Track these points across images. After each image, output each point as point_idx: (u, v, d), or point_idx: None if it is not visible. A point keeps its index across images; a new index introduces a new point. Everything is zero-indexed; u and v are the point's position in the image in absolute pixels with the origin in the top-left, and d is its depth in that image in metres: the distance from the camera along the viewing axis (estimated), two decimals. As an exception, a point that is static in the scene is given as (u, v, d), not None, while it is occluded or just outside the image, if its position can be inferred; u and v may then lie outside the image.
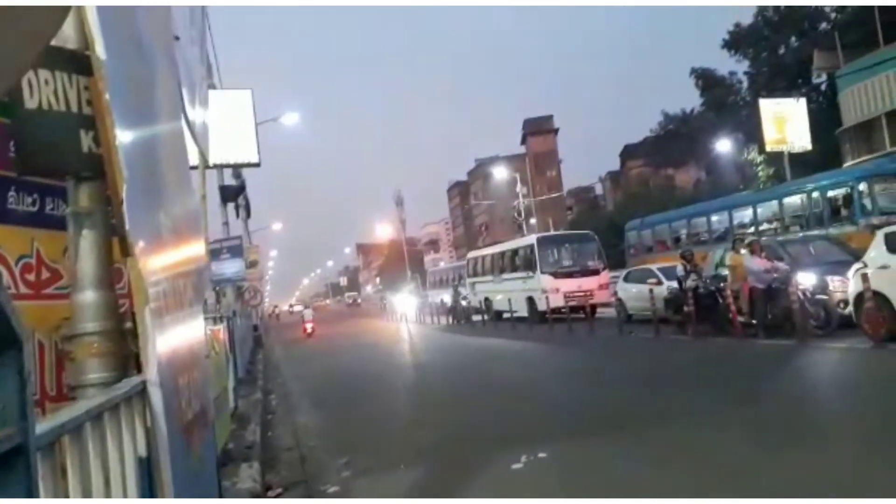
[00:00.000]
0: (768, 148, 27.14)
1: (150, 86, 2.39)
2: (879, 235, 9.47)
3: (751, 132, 31.88)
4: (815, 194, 15.55)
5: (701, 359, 10.50)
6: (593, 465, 5.08)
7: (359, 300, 79.72)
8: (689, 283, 12.68)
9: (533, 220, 47.41)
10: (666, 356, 11.28)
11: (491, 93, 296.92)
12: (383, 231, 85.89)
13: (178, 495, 1.90)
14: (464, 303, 25.40)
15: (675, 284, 13.64)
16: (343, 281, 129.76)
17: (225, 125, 12.05)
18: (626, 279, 17.65)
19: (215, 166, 12.74)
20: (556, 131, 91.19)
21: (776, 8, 37.19)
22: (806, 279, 10.82)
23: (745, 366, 9.29)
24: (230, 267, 12.25)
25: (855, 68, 26.94)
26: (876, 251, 9.33)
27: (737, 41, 38.76)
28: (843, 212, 14.67)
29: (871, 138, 26.58)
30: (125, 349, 2.13)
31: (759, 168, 34.71)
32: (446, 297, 28.42)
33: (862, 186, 14.13)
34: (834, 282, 10.85)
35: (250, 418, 8.00)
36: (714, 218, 19.25)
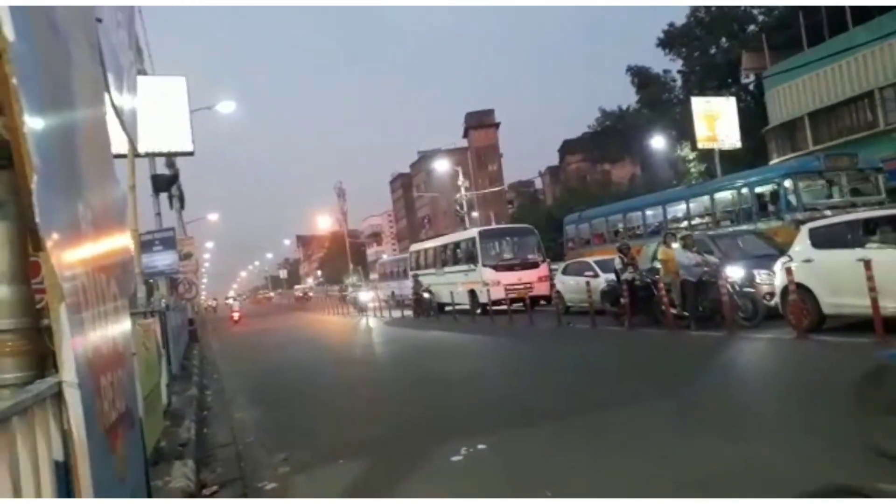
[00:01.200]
0: (700, 145, 28.06)
1: (66, 70, 2.27)
2: (804, 230, 9.82)
3: (684, 129, 32.91)
4: (744, 190, 16.14)
5: (635, 349, 10.81)
6: (531, 454, 5.15)
7: (310, 293, 73.63)
8: (626, 275, 12.99)
9: (475, 214, 47.70)
10: (602, 347, 11.55)
11: (434, 86, 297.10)
12: (325, 223, 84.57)
13: (99, 498, 1.82)
14: (427, 295, 23.45)
15: (611, 277, 13.96)
16: (283, 273, 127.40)
17: (157, 113, 11.63)
18: (564, 272, 17.99)
19: (146, 155, 12.26)
20: (497, 125, 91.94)
21: (707, 9, 38.44)
22: (734, 272, 11.23)
23: (676, 356, 9.61)
24: (163, 259, 11.86)
25: (780, 70, 28.16)
26: (800, 245, 9.68)
27: (671, 40, 39.88)
28: (771, 207, 15.26)
29: (794, 137, 27.86)
30: (42, 347, 2.02)
31: (692, 164, 35.89)
32: (397, 288, 27.83)
33: (787, 183, 14.73)
34: (760, 275, 11.30)
35: (185, 415, 7.76)
36: (649, 212, 19.78)
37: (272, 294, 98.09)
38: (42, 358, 1.96)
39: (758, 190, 15.74)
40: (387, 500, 4.78)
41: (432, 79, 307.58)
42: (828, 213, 14.26)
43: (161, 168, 15.38)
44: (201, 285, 38.32)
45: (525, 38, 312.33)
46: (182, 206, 21.16)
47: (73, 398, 1.76)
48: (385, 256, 66.33)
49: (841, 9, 24.91)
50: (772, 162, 26.86)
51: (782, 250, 12.53)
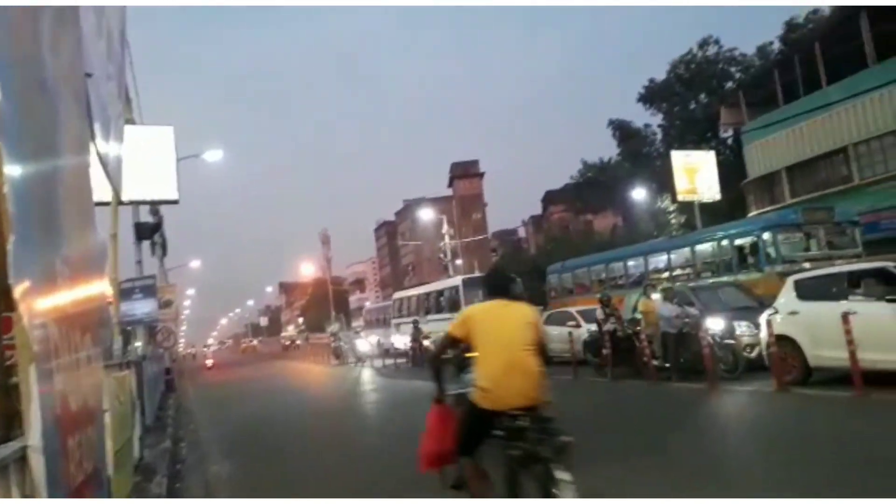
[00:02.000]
0: (680, 197, 28.49)
1: (51, 125, 2.28)
2: (789, 282, 9.90)
3: (664, 182, 33.46)
4: (725, 242, 16.33)
5: (618, 401, 10.73)
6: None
7: (297, 341, 68.21)
8: (607, 326, 12.99)
9: (459, 262, 47.83)
10: (585, 399, 11.43)
11: (420, 136, 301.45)
12: (307, 270, 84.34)
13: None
14: (426, 342, 21.72)
15: (594, 327, 13.96)
16: (264, 321, 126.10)
17: (144, 161, 11.65)
18: (546, 321, 17.92)
19: (130, 203, 12.22)
20: (481, 175, 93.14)
21: (687, 65, 39.66)
22: (715, 324, 11.28)
23: (658, 409, 9.54)
24: (142, 307, 11.69)
25: (757, 125, 28.90)
26: (786, 297, 9.75)
27: (651, 95, 40.96)
28: (750, 259, 15.44)
29: (772, 190, 28.41)
30: (10, 407, 1.97)
31: (672, 216, 36.40)
32: (383, 336, 27.25)
33: (766, 236, 14.93)
34: (741, 327, 11.35)
35: (157, 469, 7.55)
36: (630, 263, 19.92)
37: (255, 341, 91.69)
38: (9, 418, 1.90)
39: (738, 242, 15.93)
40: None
41: (418, 128, 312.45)
42: (806, 265, 14.45)
43: (145, 216, 15.34)
44: (180, 333, 37.75)
45: (510, 90, 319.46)
46: (164, 254, 21.01)
47: (37, 463, 1.70)
48: (368, 304, 65.95)
49: (815, 67, 25.78)
50: (750, 214, 27.32)
51: (762, 302, 12.64)
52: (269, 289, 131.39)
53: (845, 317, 8.05)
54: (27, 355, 1.71)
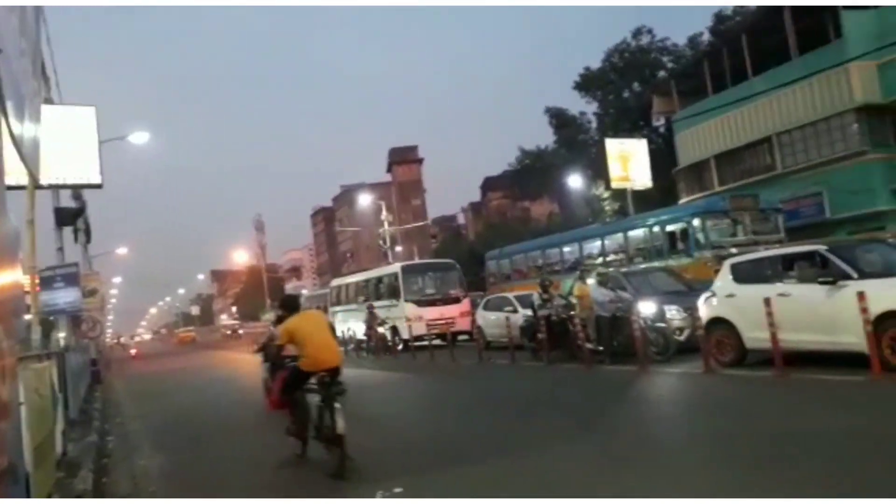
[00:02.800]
0: (613, 185, 29.13)
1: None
2: (726, 266, 10.10)
3: (598, 169, 34.16)
4: (656, 229, 16.87)
5: (553, 385, 10.90)
6: (450, 496, 5.05)
7: (240, 330, 64.75)
8: (542, 311, 13.19)
9: (399, 248, 47.69)
10: (522, 383, 11.62)
11: (357, 120, 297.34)
12: (241, 257, 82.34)
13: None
14: (382, 329, 20.18)
15: (530, 312, 14.16)
16: (195, 310, 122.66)
17: (64, 143, 11.06)
18: (485, 307, 18.12)
19: (49, 187, 11.60)
20: (421, 161, 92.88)
21: (621, 54, 40.47)
22: (647, 308, 11.61)
23: (592, 391, 9.76)
24: (64, 296, 11.16)
25: (688, 114, 29.82)
26: (723, 280, 9.92)
27: (587, 83, 41.61)
28: (680, 245, 15.97)
29: (702, 178, 29.44)
30: None
31: (606, 203, 37.24)
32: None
33: (696, 222, 15.51)
34: (671, 311, 11.72)
35: (82, 464, 7.23)
36: (566, 249, 20.32)
37: (192, 330, 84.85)
38: None
39: (668, 228, 16.47)
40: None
41: (356, 113, 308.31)
42: (733, 250, 15.01)
43: (67, 201, 14.60)
44: (107, 323, 36.35)
45: (449, 77, 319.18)
46: (88, 241, 20.08)
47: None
48: (306, 291, 65.02)
49: (742, 59, 26.75)
50: (681, 201, 28.24)
51: (691, 286, 13.08)
52: (201, 276, 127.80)
53: (767, 300, 8.39)
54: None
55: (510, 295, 17.48)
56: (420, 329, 18.91)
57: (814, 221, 22.05)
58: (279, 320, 8.46)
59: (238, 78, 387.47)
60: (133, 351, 48.88)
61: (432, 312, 19.83)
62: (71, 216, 13.41)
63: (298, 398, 6.61)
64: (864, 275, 7.96)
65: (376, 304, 21.69)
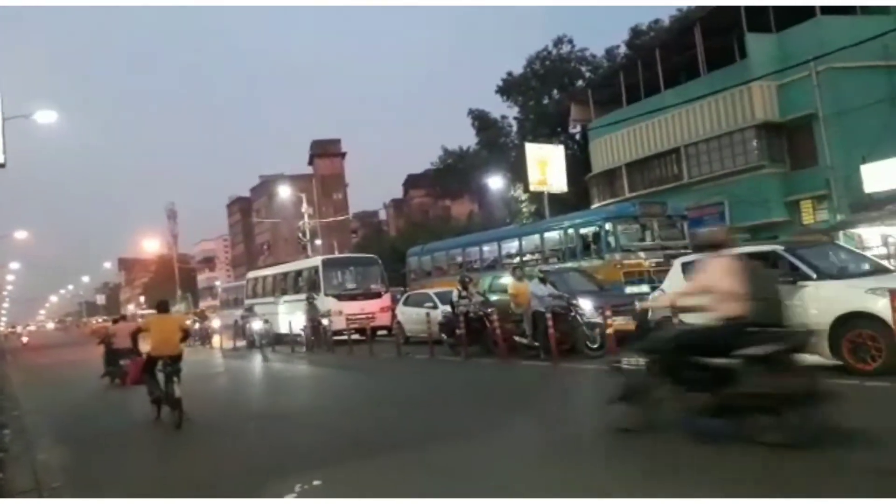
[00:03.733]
0: (531, 188, 29.88)
1: None
2: (677, 264, 10.10)
3: (518, 171, 34.94)
4: (570, 231, 17.46)
5: (471, 379, 11.21)
6: (369, 488, 5.16)
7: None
8: (460, 307, 13.46)
9: (318, 242, 47.06)
10: (441, 378, 11.87)
11: (278, 110, 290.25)
12: (151, 246, 78.85)
13: None
14: (326, 321, 19.01)
15: (449, 309, 14.43)
16: (101, 299, 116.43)
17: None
18: (405, 303, 18.27)
19: (-55, 165, 10.84)
20: (343, 155, 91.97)
21: (543, 61, 41.52)
22: (585, 305, 11.87)
23: (510, 385, 10.11)
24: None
25: (602, 123, 31.05)
26: (672, 278, 9.90)
27: (509, 88, 42.44)
28: (593, 247, 16.60)
29: (613, 184, 30.68)
30: None
31: (524, 204, 38.14)
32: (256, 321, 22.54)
33: (608, 226, 16.14)
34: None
35: (-23, 459, 6.87)
36: (485, 248, 20.70)
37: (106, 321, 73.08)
38: None
39: (582, 231, 17.07)
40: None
41: (278, 103, 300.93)
42: (641, 254, 15.80)
43: (-40, 178, 13.64)
44: (1, 311, 34.14)
45: (374, 72, 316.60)
46: (-17, 222, 18.78)
47: None
48: (220, 283, 63.14)
49: (655, 73, 28.07)
50: (593, 206, 29.34)
51: (602, 286, 13.70)
52: (108, 265, 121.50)
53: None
54: None
55: (430, 291, 17.69)
56: (340, 324, 18.78)
57: (715, 229, 23.39)
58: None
59: (156, 59, 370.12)
60: (24, 339, 49.09)
61: (353, 307, 19.75)
62: (-33, 197, 12.57)
63: (150, 376, 9.17)
64: (822, 276, 7.95)
65: (295, 297, 21.44)
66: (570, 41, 41.55)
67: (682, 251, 14.88)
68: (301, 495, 5.02)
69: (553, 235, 18.24)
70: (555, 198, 29.16)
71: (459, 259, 21.64)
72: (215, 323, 25.22)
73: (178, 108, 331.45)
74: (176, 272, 61.23)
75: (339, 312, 19.39)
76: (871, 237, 21.18)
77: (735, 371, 4.91)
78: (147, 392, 9.31)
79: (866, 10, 24.02)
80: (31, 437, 9.17)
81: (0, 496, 5.93)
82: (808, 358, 5.72)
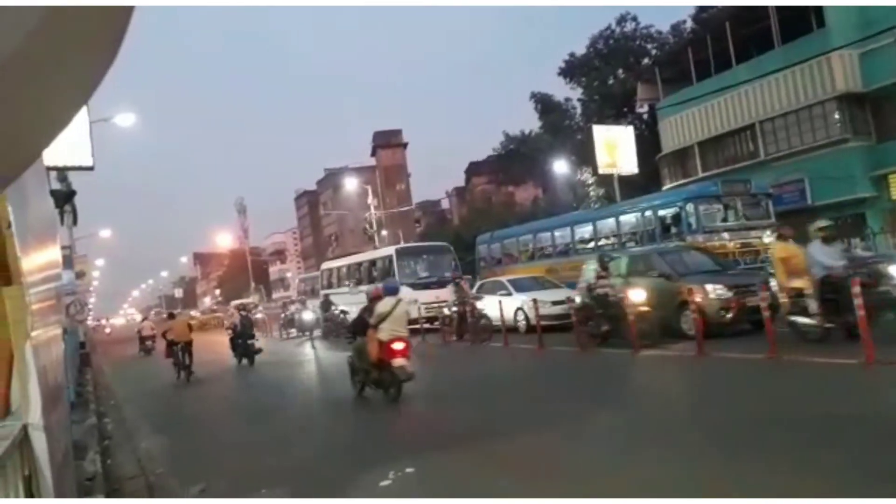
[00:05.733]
0: (601, 171, 29.37)
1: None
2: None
3: (583, 155, 34.36)
4: (648, 213, 16.83)
5: (604, 373, 10.00)
6: (461, 476, 5.18)
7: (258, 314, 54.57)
8: (600, 289, 11.72)
9: (384, 232, 47.63)
10: (548, 368, 11.20)
11: (341, 104, 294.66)
12: (224, 240, 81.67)
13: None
14: (338, 311, 21.54)
15: (525, 298, 14.34)
16: (178, 293, 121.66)
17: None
18: (479, 291, 18.07)
19: (51, 169, 11.52)
20: (405, 145, 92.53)
21: (606, 41, 40.54)
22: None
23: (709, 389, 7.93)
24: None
25: (671, 102, 30.08)
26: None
27: (571, 70, 41.65)
28: (673, 229, 15.94)
29: (685, 164, 29.75)
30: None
31: (591, 188, 37.50)
32: (307, 311, 24.08)
33: (689, 206, 15.49)
34: (717, 289, 11.06)
35: (87, 446, 7.31)
36: (557, 233, 20.25)
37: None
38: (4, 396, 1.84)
39: (661, 213, 16.45)
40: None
41: (339, 96, 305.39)
42: (725, 235, 15.03)
43: (53, 183, 14.38)
44: (89, 305, 36.07)
45: (433, 61, 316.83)
46: (75, 223, 19.83)
47: (38, 442, 1.67)
48: (289, 274, 64.67)
49: (725, 47, 26.99)
50: (665, 187, 28.51)
51: (723, 265, 12.88)
52: (184, 259, 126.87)
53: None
54: (23, 331, 1.68)
55: (504, 279, 17.35)
56: (414, 312, 18.75)
57: (796, 208, 22.40)
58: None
59: (224, 64, 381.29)
60: (108, 330, 56.49)
61: (427, 295, 19.71)
62: (63, 199, 13.25)
63: (174, 351, 14.78)
64: None
65: (370, 286, 21.64)
66: (635, 18, 40.39)
67: (768, 231, 14.26)
68: (395, 482, 5.08)
69: (630, 218, 17.69)
70: (624, 180, 28.58)
71: (531, 246, 21.27)
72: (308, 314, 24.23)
73: (247, 108, 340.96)
74: (249, 265, 63.24)
75: (414, 301, 19.37)
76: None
77: None
78: (172, 363, 14.71)
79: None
80: (130, 425, 9.72)
81: (108, 481, 6.30)
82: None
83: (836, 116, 23.36)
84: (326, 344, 20.31)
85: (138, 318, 63.32)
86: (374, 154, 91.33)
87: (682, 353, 10.09)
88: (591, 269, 12.28)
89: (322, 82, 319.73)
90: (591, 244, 18.32)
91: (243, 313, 17.31)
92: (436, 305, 19.14)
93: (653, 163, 31.33)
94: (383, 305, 8.79)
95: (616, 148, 28.40)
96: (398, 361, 8.40)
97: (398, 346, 8.49)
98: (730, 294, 10.90)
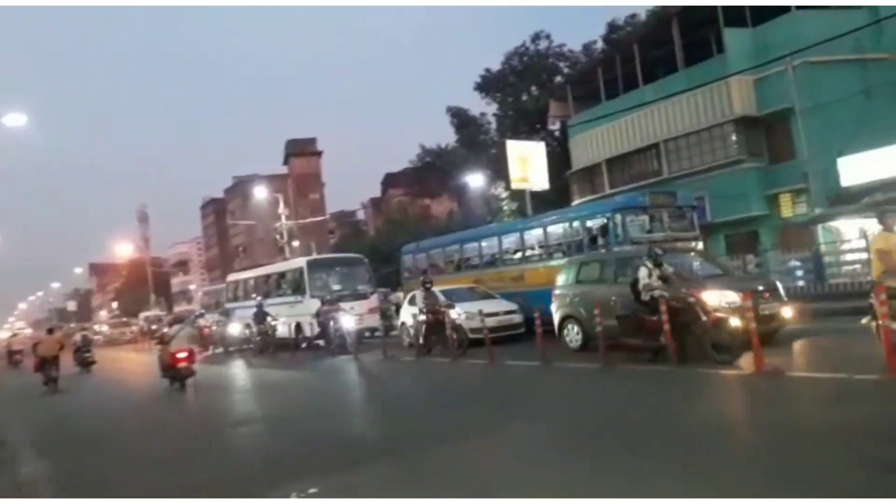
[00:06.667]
0: (513, 185, 29.82)
1: None
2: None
3: (498, 169, 34.92)
4: (576, 223, 16.66)
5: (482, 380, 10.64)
6: (367, 494, 4.96)
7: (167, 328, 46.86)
8: (656, 291, 9.63)
9: (296, 243, 46.55)
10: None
11: (251, 109, 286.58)
12: (123, 250, 77.53)
13: None
14: (275, 322, 20.11)
15: (469, 308, 13.97)
16: (72, 305, 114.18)
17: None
18: (411, 302, 17.04)
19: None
20: (319, 154, 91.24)
21: (520, 58, 41.54)
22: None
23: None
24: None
25: (581, 120, 31.11)
26: None
27: (487, 85, 42.43)
28: (601, 240, 15.75)
29: (594, 181, 30.74)
30: None
31: (504, 202, 38.15)
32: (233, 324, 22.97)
33: (617, 217, 15.35)
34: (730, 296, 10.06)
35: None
36: (485, 243, 19.70)
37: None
38: None
39: (589, 223, 16.30)
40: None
41: (249, 102, 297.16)
42: (650, 245, 14.92)
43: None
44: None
45: (350, 70, 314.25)
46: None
47: None
48: (193, 286, 62.20)
49: (633, 68, 28.19)
50: (574, 202, 29.29)
51: (726, 270, 12.66)
52: (79, 270, 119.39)
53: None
54: None
55: (435, 289, 16.49)
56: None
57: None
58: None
59: (126, 57, 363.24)
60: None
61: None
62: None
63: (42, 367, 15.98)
64: None
65: (278, 300, 21.03)
66: (548, 37, 41.63)
67: (694, 243, 14.51)
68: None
69: (557, 229, 17.50)
70: (536, 195, 29.13)
71: (457, 256, 20.65)
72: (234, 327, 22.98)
73: (148, 107, 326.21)
74: (149, 276, 60.32)
75: (350, 309, 18.75)
76: (849, 230, 21.47)
77: None
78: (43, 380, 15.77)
79: (840, 3, 24.36)
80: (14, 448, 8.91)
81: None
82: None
83: (734, 138, 24.78)
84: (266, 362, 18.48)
85: (28, 331, 58.43)
86: (286, 162, 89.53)
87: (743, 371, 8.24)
88: (643, 266, 9.91)
89: (233, 86, 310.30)
90: (518, 254, 18.22)
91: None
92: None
93: (563, 178, 32.19)
94: (172, 331, 14.00)
95: (528, 163, 28.95)
96: (182, 365, 12.82)
97: (182, 354, 12.92)
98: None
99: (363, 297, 20.17)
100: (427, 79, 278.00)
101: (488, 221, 32.68)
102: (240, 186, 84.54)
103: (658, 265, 9.79)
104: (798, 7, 23.63)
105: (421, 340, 14.58)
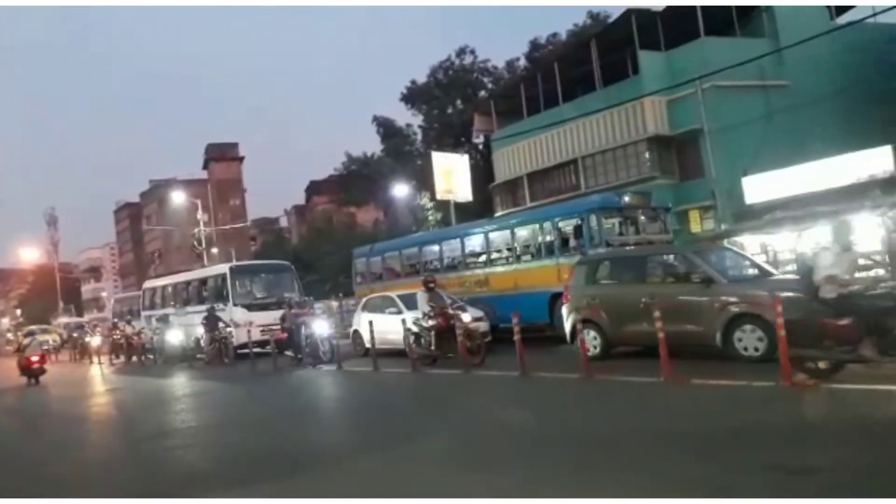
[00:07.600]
0: (438, 196, 30.26)
1: None
2: None
3: (423, 180, 35.31)
4: (547, 224, 16.01)
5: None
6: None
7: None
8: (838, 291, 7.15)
9: (215, 250, 45.40)
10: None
11: (170, 111, 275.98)
12: (29, 255, 73.20)
13: None
14: (229, 330, 18.30)
15: (417, 314, 12.98)
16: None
17: None
18: (364, 309, 16.48)
19: None
20: (241, 159, 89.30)
21: (446, 71, 42.22)
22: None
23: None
24: None
25: (504, 134, 31.99)
26: None
27: (413, 96, 42.86)
28: (573, 242, 15.44)
29: (515, 194, 31.55)
30: None
31: (430, 212, 38.57)
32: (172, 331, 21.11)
33: (592, 218, 14.86)
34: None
35: None
36: (446, 246, 18.97)
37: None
38: None
39: (561, 225, 15.82)
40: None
41: (167, 104, 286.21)
42: (628, 249, 14.34)
43: None
44: None
45: (275, 75, 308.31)
46: None
47: None
48: (105, 294, 59.48)
49: (554, 86, 29.22)
50: (497, 214, 29.93)
51: (762, 268, 11.17)
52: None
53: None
54: None
55: (393, 294, 15.81)
56: (251, 335, 17.25)
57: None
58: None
59: (36, 51, 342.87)
60: None
61: (265, 317, 18.31)
62: None
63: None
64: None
65: (198, 308, 20.33)
66: (473, 52, 42.53)
67: (668, 244, 14.50)
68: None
69: (525, 231, 16.89)
70: (459, 206, 29.67)
71: (416, 260, 19.70)
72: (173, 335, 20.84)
73: (58, 105, 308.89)
74: (58, 283, 57.37)
75: (250, 323, 18.13)
76: (752, 245, 22.96)
77: None
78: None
79: (745, 32, 26.14)
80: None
81: None
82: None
83: (647, 156, 26.03)
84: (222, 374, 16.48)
85: None
86: (206, 167, 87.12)
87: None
88: (823, 251, 7.29)
89: (151, 87, 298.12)
90: (483, 257, 17.50)
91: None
92: (276, 328, 17.12)
93: (487, 191, 32.90)
94: (26, 341, 18.26)
95: (452, 175, 29.48)
96: (35, 366, 17.19)
97: (34, 358, 17.34)
98: None
99: (301, 305, 17.92)
100: (355, 86, 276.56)
101: (414, 231, 32.95)
102: (157, 190, 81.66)
103: (846, 249, 7.21)
104: (707, 32, 25.10)
105: (432, 348, 12.56)
